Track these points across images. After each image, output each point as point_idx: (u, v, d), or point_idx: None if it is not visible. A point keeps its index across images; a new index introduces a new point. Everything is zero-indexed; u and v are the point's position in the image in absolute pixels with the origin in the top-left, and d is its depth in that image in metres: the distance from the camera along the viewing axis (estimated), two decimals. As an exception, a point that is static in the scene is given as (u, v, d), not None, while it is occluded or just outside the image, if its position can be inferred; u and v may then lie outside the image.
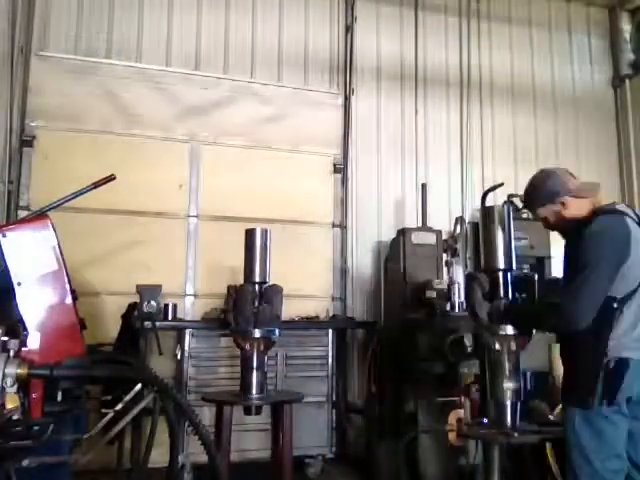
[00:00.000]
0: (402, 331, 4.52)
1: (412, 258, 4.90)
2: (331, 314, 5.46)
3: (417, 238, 4.97)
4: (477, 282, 2.95)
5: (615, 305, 2.37)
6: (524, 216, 4.76)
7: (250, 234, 3.63)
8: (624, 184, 6.73)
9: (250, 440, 4.46)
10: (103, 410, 2.35)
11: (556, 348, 3.56)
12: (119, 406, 2.24)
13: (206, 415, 4.07)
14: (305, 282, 5.37)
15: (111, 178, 2.79)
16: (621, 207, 2.54)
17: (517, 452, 3.39)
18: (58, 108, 5.07)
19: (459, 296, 4.29)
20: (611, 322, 2.37)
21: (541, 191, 2.66)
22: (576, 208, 2.58)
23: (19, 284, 2.08)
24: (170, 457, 2.43)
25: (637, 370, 2.35)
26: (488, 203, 4.93)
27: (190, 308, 5.22)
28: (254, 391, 3.47)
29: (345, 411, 5.13)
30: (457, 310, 4.28)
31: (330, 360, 4.89)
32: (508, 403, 2.84)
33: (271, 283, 3.62)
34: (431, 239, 4.99)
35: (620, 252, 2.38)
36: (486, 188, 5.29)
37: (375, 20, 6.23)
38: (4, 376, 1.80)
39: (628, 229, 2.43)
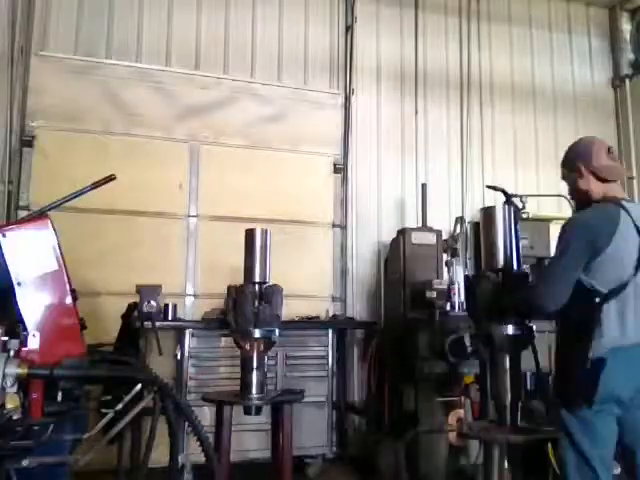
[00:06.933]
0: (402, 331, 4.52)
1: (412, 258, 4.90)
2: (331, 314, 5.46)
3: (417, 238, 4.97)
4: (484, 281, 2.95)
5: (598, 300, 2.27)
6: (524, 216, 4.76)
7: (250, 234, 3.63)
8: (624, 184, 6.71)
9: (250, 440, 4.46)
10: (103, 410, 2.35)
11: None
12: (119, 406, 2.24)
13: (206, 415, 4.08)
14: (305, 282, 5.36)
15: (111, 178, 2.78)
16: (627, 203, 2.36)
17: (517, 452, 3.39)
18: (58, 108, 5.06)
19: (459, 296, 4.30)
20: (595, 319, 2.27)
21: (568, 153, 2.63)
22: (591, 186, 2.50)
23: (19, 284, 2.07)
24: (170, 457, 2.43)
25: (618, 369, 2.23)
26: (488, 203, 4.92)
27: (190, 308, 5.21)
28: (254, 391, 3.47)
29: (345, 411, 5.14)
30: (457, 310, 4.29)
31: (330, 360, 4.90)
32: (508, 403, 2.84)
33: (271, 283, 3.62)
34: (431, 239, 4.99)
35: (595, 237, 2.29)
36: (486, 188, 5.28)
37: (375, 20, 6.22)
38: (4, 376, 1.80)
39: (615, 220, 2.31)
